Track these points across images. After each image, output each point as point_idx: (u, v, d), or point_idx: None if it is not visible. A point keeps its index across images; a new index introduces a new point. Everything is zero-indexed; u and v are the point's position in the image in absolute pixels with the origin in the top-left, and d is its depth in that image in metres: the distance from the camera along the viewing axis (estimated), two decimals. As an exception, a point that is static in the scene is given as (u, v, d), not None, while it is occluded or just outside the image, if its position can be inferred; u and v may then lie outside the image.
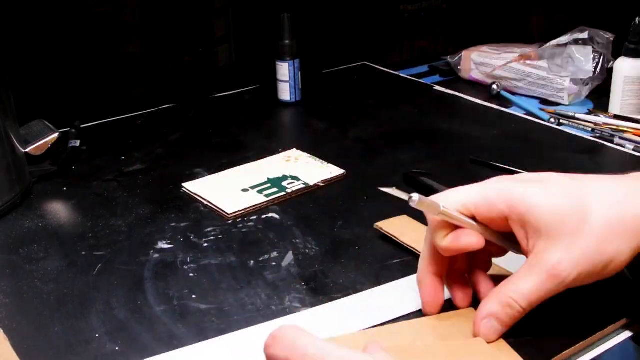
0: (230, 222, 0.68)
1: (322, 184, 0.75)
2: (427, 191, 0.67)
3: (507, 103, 1.05)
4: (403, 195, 0.45)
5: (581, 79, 1.00)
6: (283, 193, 0.72)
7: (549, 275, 0.42)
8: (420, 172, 0.73)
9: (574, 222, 0.42)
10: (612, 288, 0.51)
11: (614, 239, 0.42)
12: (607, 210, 0.42)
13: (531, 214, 0.43)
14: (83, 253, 0.63)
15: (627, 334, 0.50)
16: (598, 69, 0.99)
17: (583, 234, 0.42)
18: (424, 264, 0.48)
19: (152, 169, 0.82)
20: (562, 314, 0.50)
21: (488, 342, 0.44)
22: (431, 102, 1.05)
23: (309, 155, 0.81)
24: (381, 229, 0.63)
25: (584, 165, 0.79)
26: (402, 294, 0.54)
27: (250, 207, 0.70)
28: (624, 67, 0.92)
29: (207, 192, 0.73)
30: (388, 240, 0.62)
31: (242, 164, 0.82)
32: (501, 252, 0.50)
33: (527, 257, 0.45)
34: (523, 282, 0.43)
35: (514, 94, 1.07)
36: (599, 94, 1.01)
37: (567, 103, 1.01)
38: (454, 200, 0.46)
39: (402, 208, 0.64)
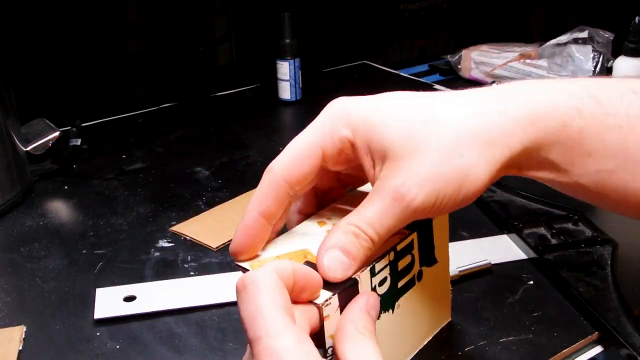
0: (230, 220, 0.68)
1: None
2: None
3: (507, 102, 1.05)
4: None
5: (581, 78, 1.01)
6: None
7: (392, 199, 0.36)
8: None
9: (417, 137, 0.37)
10: (584, 302, 0.52)
11: (463, 151, 0.36)
12: (452, 123, 0.37)
13: (374, 132, 0.38)
14: (84, 251, 0.64)
15: (598, 349, 0.50)
16: (598, 68, 1.00)
17: (429, 150, 0.36)
18: (254, 199, 0.40)
19: (153, 168, 0.82)
20: (532, 329, 0.51)
21: (333, 279, 0.36)
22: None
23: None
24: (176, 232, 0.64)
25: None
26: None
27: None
28: (624, 66, 0.92)
29: None
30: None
31: (242, 164, 0.82)
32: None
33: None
34: (366, 209, 0.37)
35: (514, 93, 1.07)
36: (598, 93, 1.01)
37: (567, 102, 1.01)
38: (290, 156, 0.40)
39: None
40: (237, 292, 0.33)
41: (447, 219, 0.45)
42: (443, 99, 0.39)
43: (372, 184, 0.39)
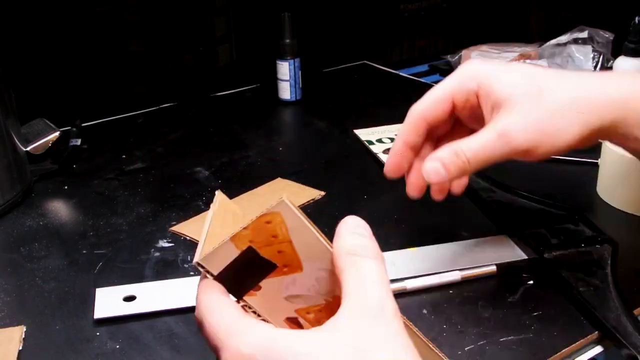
0: (230, 220, 0.68)
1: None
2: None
3: (507, 102, 1.05)
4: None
5: (581, 78, 1.01)
6: None
7: (498, 134, 0.45)
8: None
9: (529, 95, 0.46)
10: (584, 302, 0.52)
11: (565, 113, 0.45)
12: (561, 90, 0.46)
13: (495, 86, 0.47)
14: (84, 251, 0.64)
15: (598, 349, 0.50)
16: (598, 68, 1.00)
17: (537, 106, 0.46)
18: (400, 132, 0.53)
19: (153, 168, 0.82)
20: (532, 329, 0.51)
21: (428, 183, 0.49)
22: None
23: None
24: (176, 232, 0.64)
25: (584, 164, 0.79)
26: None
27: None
28: (624, 66, 0.92)
29: None
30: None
31: (242, 164, 0.82)
32: None
33: None
34: (474, 138, 0.47)
35: (514, 93, 1.07)
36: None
37: (567, 102, 1.01)
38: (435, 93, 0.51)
39: (397, 205, 0.64)
40: (199, 325, 0.36)
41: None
42: (558, 71, 0.49)
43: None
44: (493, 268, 0.57)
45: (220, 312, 0.34)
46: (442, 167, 0.46)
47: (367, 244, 0.35)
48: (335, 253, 0.35)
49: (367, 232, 0.36)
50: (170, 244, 0.64)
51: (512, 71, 0.48)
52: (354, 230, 0.36)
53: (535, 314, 0.52)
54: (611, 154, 0.68)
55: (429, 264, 0.58)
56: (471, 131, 0.50)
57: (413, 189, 0.54)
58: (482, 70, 0.49)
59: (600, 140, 0.51)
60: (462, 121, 0.53)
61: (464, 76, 0.50)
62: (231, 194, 0.74)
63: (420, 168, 0.49)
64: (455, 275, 0.56)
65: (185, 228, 0.67)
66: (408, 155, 0.53)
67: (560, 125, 0.46)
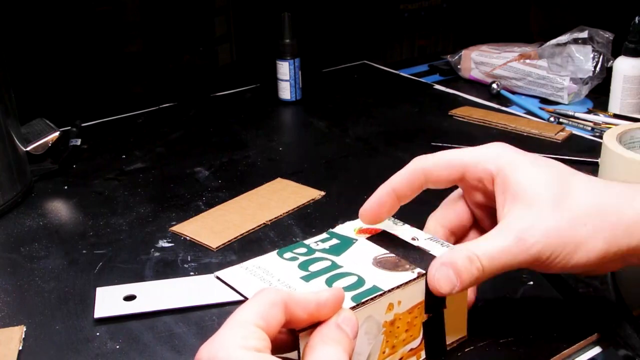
0: (230, 220, 0.68)
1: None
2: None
3: (507, 102, 1.05)
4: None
5: (581, 78, 1.01)
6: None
7: (515, 238, 0.40)
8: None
9: (552, 195, 0.41)
10: (583, 303, 0.52)
11: (588, 221, 0.40)
12: (587, 195, 0.41)
13: (514, 177, 0.42)
14: (84, 251, 0.64)
15: (597, 350, 0.50)
16: (598, 68, 1.00)
17: (559, 209, 0.41)
18: (393, 178, 0.47)
19: (153, 168, 0.82)
20: (532, 329, 0.50)
21: (437, 292, 0.41)
22: (431, 101, 1.05)
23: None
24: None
25: (584, 164, 0.79)
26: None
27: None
28: (624, 66, 0.92)
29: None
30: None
31: (242, 164, 0.82)
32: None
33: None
34: (488, 241, 0.41)
35: (513, 93, 1.07)
36: (598, 93, 1.01)
37: (566, 102, 1.02)
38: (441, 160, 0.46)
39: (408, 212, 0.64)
40: None
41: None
42: (586, 175, 0.43)
43: (498, 221, 0.43)
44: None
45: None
46: (454, 273, 0.40)
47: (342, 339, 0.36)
48: (313, 335, 0.36)
49: (351, 333, 0.37)
50: (170, 244, 0.64)
51: (538, 165, 0.43)
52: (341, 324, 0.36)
53: (535, 314, 0.52)
54: (611, 154, 0.68)
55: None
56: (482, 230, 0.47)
57: (368, 216, 0.47)
58: (506, 154, 0.44)
59: (626, 265, 0.43)
60: (467, 203, 0.49)
61: (485, 153, 0.45)
62: (231, 194, 0.74)
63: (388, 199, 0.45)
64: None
65: (185, 228, 0.67)
66: (393, 203, 0.47)
67: (581, 234, 0.40)
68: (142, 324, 0.53)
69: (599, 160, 0.72)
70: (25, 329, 0.52)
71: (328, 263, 0.43)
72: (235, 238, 0.64)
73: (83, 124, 0.93)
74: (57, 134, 0.80)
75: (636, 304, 0.52)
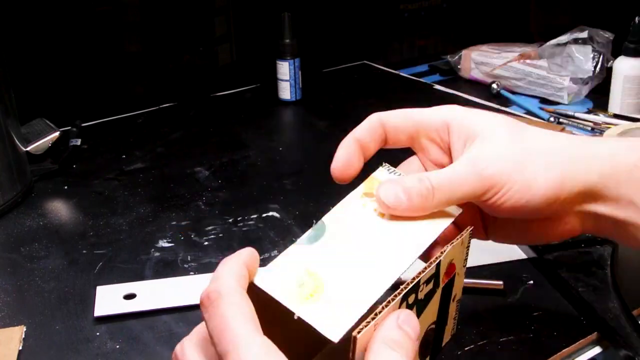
0: (230, 220, 0.68)
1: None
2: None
3: (507, 102, 1.05)
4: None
5: (581, 78, 1.01)
6: None
7: (468, 162, 0.40)
8: None
9: (509, 133, 0.42)
10: (583, 302, 0.52)
11: (544, 154, 0.41)
12: (543, 135, 0.42)
13: (471, 120, 0.43)
14: (84, 251, 0.64)
15: (597, 349, 0.50)
16: (598, 68, 1.00)
17: (516, 142, 0.41)
18: (354, 130, 0.47)
19: (153, 168, 0.82)
20: (532, 329, 0.51)
21: (383, 206, 0.40)
22: (431, 101, 1.05)
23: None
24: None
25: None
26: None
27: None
28: (624, 66, 0.92)
29: None
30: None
31: (242, 164, 0.82)
32: None
33: None
34: (443, 170, 0.41)
35: (513, 93, 1.07)
36: (598, 93, 1.01)
37: (566, 102, 1.02)
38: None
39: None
40: (203, 306, 0.34)
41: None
42: (537, 128, 0.43)
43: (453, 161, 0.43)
44: (500, 283, 0.56)
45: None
46: (402, 191, 0.40)
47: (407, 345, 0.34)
48: (373, 337, 0.34)
49: (414, 334, 0.35)
50: (170, 244, 0.64)
51: (494, 114, 0.44)
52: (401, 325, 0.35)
53: (535, 314, 0.52)
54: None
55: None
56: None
57: (340, 169, 0.47)
58: (459, 107, 0.45)
59: (586, 224, 0.43)
60: (422, 163, 0.48)
61: (440, 107, 0.46)
62: (231, 194, 0.74)
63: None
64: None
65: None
66: (358, 152, 0.47)
67: (538, 165, 0.40)
68: (142, 323, 0.53)
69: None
70: (25, 329, 0.52)
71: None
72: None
73: (83, 124, 0.93)
74: (57, 134, 0.80)
75: (636, 304, 0.53)
